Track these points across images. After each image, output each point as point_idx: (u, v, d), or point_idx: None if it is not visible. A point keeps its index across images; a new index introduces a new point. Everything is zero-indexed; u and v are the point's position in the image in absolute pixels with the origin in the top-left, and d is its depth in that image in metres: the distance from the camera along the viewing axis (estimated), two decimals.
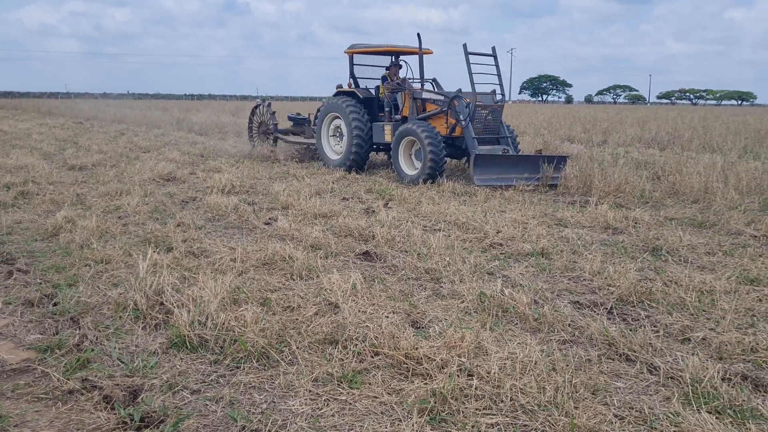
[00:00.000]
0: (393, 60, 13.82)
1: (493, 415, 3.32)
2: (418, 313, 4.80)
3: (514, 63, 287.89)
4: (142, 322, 4.52)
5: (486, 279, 5.65)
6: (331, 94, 14.00)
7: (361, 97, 13.31)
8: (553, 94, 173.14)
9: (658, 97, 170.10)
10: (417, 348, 3.93)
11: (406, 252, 6.56)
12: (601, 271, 5.83)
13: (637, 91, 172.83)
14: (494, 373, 3.65)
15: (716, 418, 3.25)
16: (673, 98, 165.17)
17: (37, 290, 5.16)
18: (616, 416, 3.33)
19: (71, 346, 4.10)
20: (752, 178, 11.18)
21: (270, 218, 8.20)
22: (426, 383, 3.59)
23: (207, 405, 3.44)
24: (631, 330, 4.50)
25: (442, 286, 5.48)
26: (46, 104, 52.49)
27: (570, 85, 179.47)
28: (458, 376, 3.63)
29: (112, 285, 5.34)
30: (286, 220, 7.83)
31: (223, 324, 4.26)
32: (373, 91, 13.65)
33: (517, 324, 4.63)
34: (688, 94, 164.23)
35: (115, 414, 3.31)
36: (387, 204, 9.35)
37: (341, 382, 3.68)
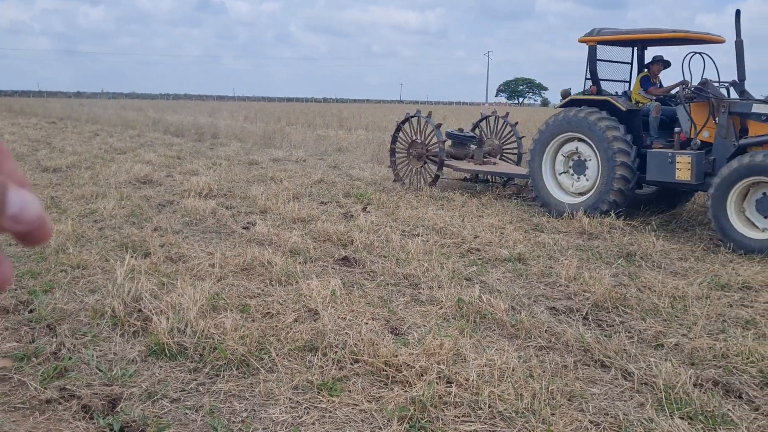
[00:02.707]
0: (654, 56, 9.54)
1: (472, 422, 3.37)
2: (397, 319, 4.84)
3: (491, 66, 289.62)
4: (121, 330, 4.50)
5: (464, 285, 5.71)
6: (558, 103, 9.90)
7: (624, 109, 8.76)
8: (530, 97, 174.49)
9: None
10: (396, 355, 3.97)
11: (385, 257, 6.60)
12: (577, 276, 5.92)
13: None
14: (473, 380, 3.70)
15: (688, 424, 3.33)
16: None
17: (12, 297, 5.10)
18: (591, 422, 3.40)
19: (48, 354, 4.07)
20: None
21: (248, 222, 8.19)
22: (405, 391, 3.63)
23: (187, 414, 3.44)
24: (606, 336, 4.59)
25: (420, 292, 5.52)
26: (18, 103, 51.69)
27: (546, 88, 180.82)
28: (437, 383, 3.68)
29: (89, 291, 5.30)
30: (264, 225, 7.83)
31: (203, 331, 4.26)
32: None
33: (494, 330, 4.69)
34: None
35: (93, 424, 3.30)
36: (365, 208, 9.38)
37: (321, 390, 3.70)
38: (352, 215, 8.78)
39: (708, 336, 4.58)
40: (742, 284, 5.88)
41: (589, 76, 9.24)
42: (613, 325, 4.89)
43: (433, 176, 11.13)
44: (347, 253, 6.69)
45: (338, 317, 4.70)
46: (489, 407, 3.47)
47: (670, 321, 4.94)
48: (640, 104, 9.05)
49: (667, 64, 9.37)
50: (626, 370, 4.05)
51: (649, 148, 8.51)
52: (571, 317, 5.02)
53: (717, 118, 7.93)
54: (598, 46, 9.19)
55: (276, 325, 4.59)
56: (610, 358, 4.20)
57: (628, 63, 9.70)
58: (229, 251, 6.50)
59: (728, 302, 5.41)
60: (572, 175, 9.13)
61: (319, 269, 6.17)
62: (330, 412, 3.50)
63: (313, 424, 3.38)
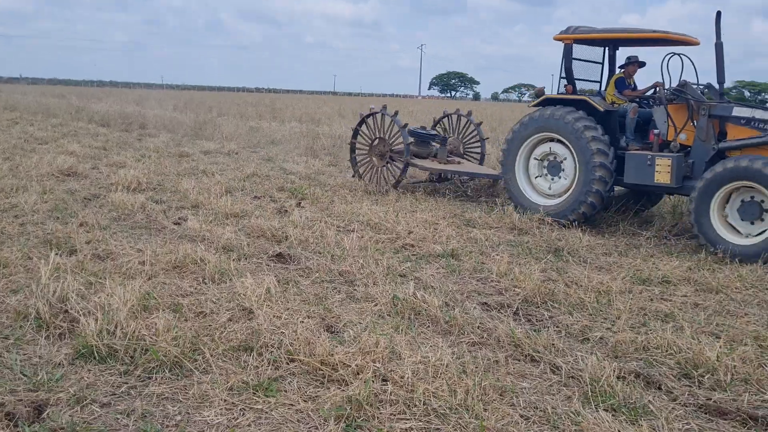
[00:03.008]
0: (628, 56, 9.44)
1: (407, 420, 3.43)
2: (333, 317, 4.86)
3: (424, 59, 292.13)
4: (46, 332, 4.34)
5: (399, 281, 5.77)
6: (531, 102, 9.45)
7: (602, 110, 8.59)
8: (461, 91, 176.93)
9: None
10: (333, 354, 3.99)
11: (320, 253, 6.60)
12: (508, 272, 6.08)
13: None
14: (408, 377, 3.76)
15: (612, 416, 3.49)
16: None
17: None
18: (522, 417, 3.51)
19: None
20: None
21: (179, 218, 8.01)
22: (342, 390, 3.66)
23: (118, 419, 3.37)
24: (535, 331, 4.74)
25: (356, 289, 5.55)
26: None
27: (478, 83, 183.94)
28: (373, 381, 3.72)
29: (11, 292, 5.09)
30: (196, 220, 7.68)
31: (134, 333, 4.15)
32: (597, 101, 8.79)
33: (429, 327, 4.77)
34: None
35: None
36: (299, 203, 9.33)
37: (257, 391, 3.68)
38: (286, 210, 8.72)
39: (630, 329, 4.79)
40: (662, 278, 6.17)
41: (564, 75, 9.08)
42: (542, 320, 5.05)
43: (396, 177, 10.72)
44: (282, 249, 6.65)
45: (273, 316, 4.67)
46: (424, 404, 3.54)
47: (596, 315, 5.14)
48: (616, 105, 9.00)
49: (642, 65, 9.29)
50: (554, 364, 4.20)
51: (625, 149, 8.44)
52: (502, 313, 5.15)
53: (696, 121, 7.92)
54: (575, 46, 9.04)
55: (210, 325, 4.53)
56: (539, 352, 4.34)
57: (599, 63, 9.60)
58: (159, 248, 6.35)
59: (649, 296, 5.68)
60: (547, 176, 8.92)
61: (254, 266, 6.11)
62: (266, 413, 3.49)
63: (249, 425, 3.36)
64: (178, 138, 18.65)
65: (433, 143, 11.25)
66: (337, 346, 4.13)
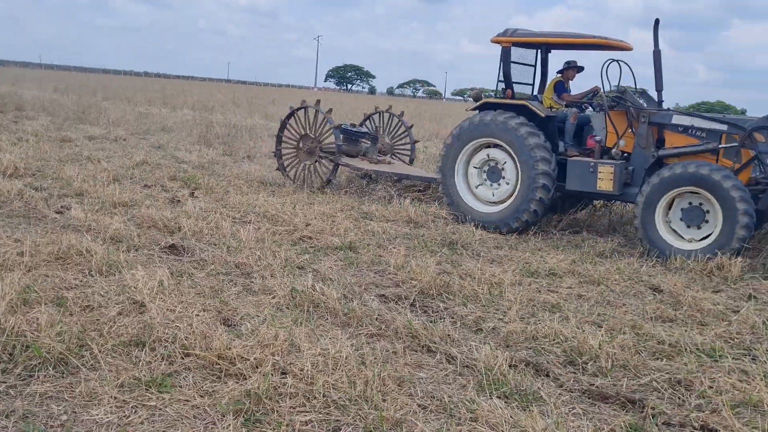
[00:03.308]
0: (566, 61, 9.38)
1: (307, 412, 3.42)
2: (230, 310, 4.76)
3: (321, 50, 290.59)
4: None
5: (297, 273, 5.73)
6: (469, 106, 9.20)
7: (542, 115, 8.43)
8: (358, 84, 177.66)
9: (453, 94, 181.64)
10: (230, 348, 3.91)
11: (215, 245, 6.44)
12: (405, 264, 6.18)
13: (434, 86, 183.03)
14: (307, 370, 3.75)
15: (505, 402, 3.63)
16: (466, 95, 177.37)
17: None
18: (419, 406, 3.59)
19: None
20: None
21: (62, 206, 7.56)
22: (240, 384, 3.59)
23: None
24: (431, 322, 4.85)
25: (253, 282, 5.46)
26: None
27: (373, 77, 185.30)
28: (272, 375, 3.68)
29: None
30: (81, 209, 7.27)
31: (13, 328, 3.89)
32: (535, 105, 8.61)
33: (328, 319, 4.77)
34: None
35: None
36: (193, 193, 9.05)
37: (150, 387, 3.55)
38: (179, 200, 8.43)
39: (521, 320, 5.01)
40: (549, 271, 6.48)
41: (502, 78, 8.87)
42: (438, 312, 5.18)
43: (325, 178, 10.34)
44: (175, 240, 6.43)
45: (167, 309, 4.51)
46: (324, 396, 3.54)
47: (488, 306, 5.33)
48: (554, 109, 8.90)
49: (580, 70, 9.28)
50: (450, 354, 4.32)
51: (564, 155, 8.38)
52: (399, 304, 5.24)
53: (636, 128, 7.96)
54: (514, 49, 8.82)
55: (98, 320, 4.31)
56: (435, 343, 4.45)
57: (531, 65, 9.44)
58: (40, 238, 5.96)
59: (537, 288, 5.95)
60: (489, 184, 8.67)
61: (145, 258, 5.87)
62: (159, 409, 3.37)
63: (141, 423, 3.24)
64: (59, 122, 17.57)
65: (363, 141, 11.00)
66: (234, 340, 4.05)
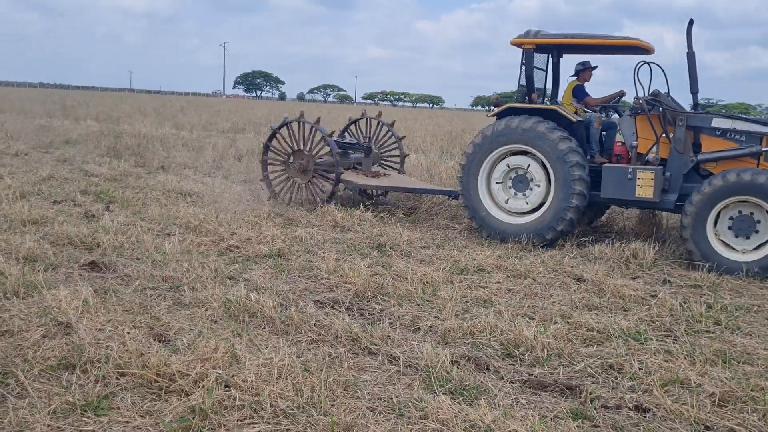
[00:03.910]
0: (580, 62, 8.93)
1: (255, 423, 3.35)
2: (162, 325, 4.60)
3: (227, 57, 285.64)
4: None
5: (228, 284, 5.60)
6: (491, 112, 8.49)
7: (573, 120, 8.08)
8: (267, 90, 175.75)
9: (363, 98, 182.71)
10: (168, 364, 3.78)
11: (139, 260, 6.20)
12: (337, 269, 6.16)
13: (344, 91, 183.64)
14: (251, 381, 3.67)
15: (452, 398, 3.68)
16: (376, 99, 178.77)
17: None
18: (368, 408, 3.58)
19: None
20: (450, 176, 12.72)
21: None
22: (183, 400, 3.47)
23: None
24: (370, 324, 4.86)
25: (183, 295, 5.30)
26: None
27: (283, 82, 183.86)
28: (216, 388, 3.58)
29: None
30: None
31: None
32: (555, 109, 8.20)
33: (266, 328, 4.69)
34: (389, 96, 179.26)
35: None
36: (108, 207, 8.68)
37: (86, 411, 3.38)
38: (94, 215, 8.07)
39: (456, 316, 5.09)
40: (478, 267, 6.62)
41: (523, 82, 8.39)
42: (374, 314, 5.19)
43: (327, 193, 9.40)
44: (94, 257, 6.15)
45: (95, 329, 4.31)
46: (271, 406, 3.47)
47: (423, 305, 5.39)
48: (578, 114, 8.46)
49: (594, 68, 8.86)
50: (392, 354, 4.34)
51: (592, 162, 8.01)
52: (336, 309, 5.21)
53: (672, 132, 7.63)
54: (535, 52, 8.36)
55: (20, 344, 4.07)
56: (376, 345, 4.46)
57: (542, 69, 8.98)
58: None
59: (468, 284, 6.07)
60: (514, 193, 8.12)
61: (64, 277, 5.59)
62: None
63: None
64: None
65: (353, 153, 10.19)
66: (171, 356, 3.91)
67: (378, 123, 10.79)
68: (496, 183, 8.19)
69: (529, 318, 5.14)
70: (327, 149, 9.51)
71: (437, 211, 9.48)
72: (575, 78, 8.83)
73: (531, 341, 4.52)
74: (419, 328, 4.88)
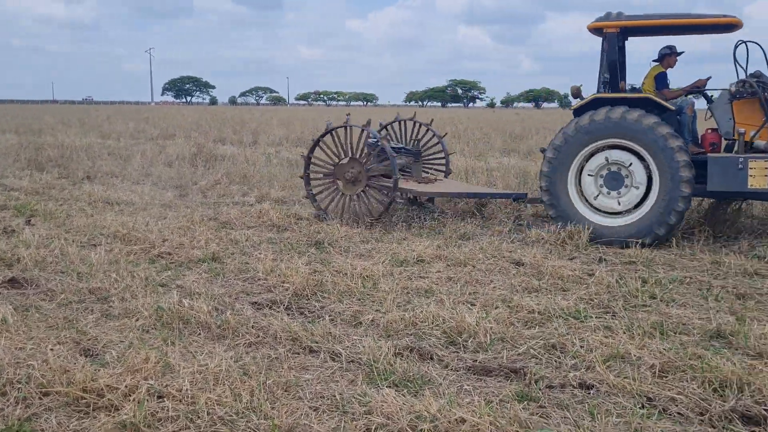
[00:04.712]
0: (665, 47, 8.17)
1: None
2: (89, 339, 4.36)
3: (154, 63, 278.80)
4: None
5: (160, 292, 5.38)
6: (574, 105, 7.87)
7: (673, 110, 7.54)
8: (197, 96, 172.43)
9: (297, 99, 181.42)
10: (95, 379, 3.56)
11: (64, 273, 5.89)
12: (274, 269, 5.99)
13: (277, 92, 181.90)
14: (186, 389, 3.49)
15: (396, 391, 3.60)
16: (309, 99, 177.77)
17: None
18: (311, 408, 3.46)
19: None
20: None
21: None
22: (112, 415, 3.27)
23: None
24: (310, 322, 4.73)
25: (112, 306, 5.05)
26: None
27: (213, 87, 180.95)
28: (148, 401, 3.39)
29: None
30: None
31: None
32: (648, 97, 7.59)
33: (201, 334, 4.50)
34: (322, 96, 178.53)
35: None
36: (29, 221, 8.24)
37: None
38: (13, 230, 7.64)
39: (398, 308, 5.01)
40: (417, 258, 6.57)
41: (607, 71, 7.74)
42: (314, 311, 5.06)
43: (384, 204, 8.39)
44: (15, 273, 5.81)
45: (15, 348, 4.05)
46: (208, 414, 3.31)
47: (364, 299, 5.29)
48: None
49: (680, 54, 8.13)
50: (334, 351, 4.22)
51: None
52: (274, 309, 5.06)
53: None
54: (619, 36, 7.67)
55: None
56: (317, 342, 4.34)
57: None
58: None
59: (409, 275, 6.00)
60: (607, 192, 7.42)
61: None
62: None
63: None
64: None
65: (398, 159, 8.82)
66: (99, 370, 3.69)
67: (414, 124, 9.88)
68: (589, 175, 7.49)
69: (471, 305, 5.11)
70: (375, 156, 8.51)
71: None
72: (658, 63, 8.13)
73: (473, 327, 4.48)
74: (361, 323, 4.78)
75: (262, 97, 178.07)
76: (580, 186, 7.55)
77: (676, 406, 3.48)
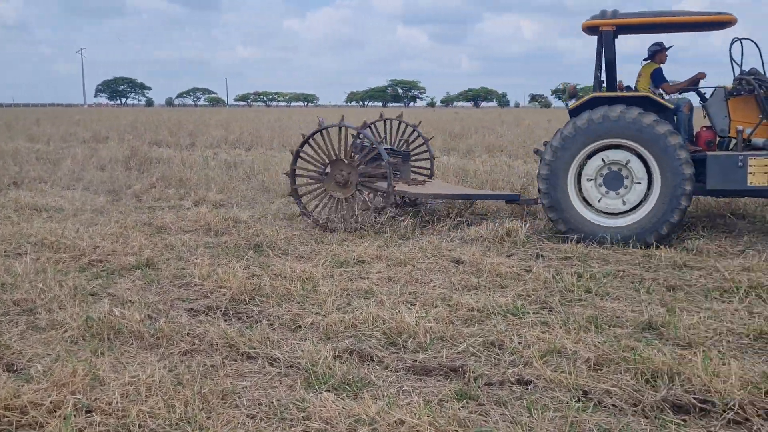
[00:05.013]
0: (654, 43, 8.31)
1: None
2: (13, 354, 4.15)
3: (86, 64, 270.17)
4: None
5: (90, 301, 5.18)
6: (572, 104, 7.75)
7: (671, 107, 7.54)
8: (133, 97, 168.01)
9: (236, 100, 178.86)
10: (19, 395, 3.38)
11: None
12: (211, 274, 5.86)
13: (216, 93, 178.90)
14: (116, 402, 3.36)
15: (335, 395, 3.55)
16: (249, 100, 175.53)
17: None
18: (248, 416, 3.38)
19: None
20: None
21: None
22: None
23: None
24: (248, 328, 4.64)
25: (38, 318, 4.83)
26: None
27: (149, 88, 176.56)
28: (75, 416, 3.24)
29: None
30: None
31: None
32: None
33: (133, 344, 4.35)
34: (262, 96, 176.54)
35: None
36: None
37: None
38: None
39: (338, 310, 4.97)
40: (358, 259, 6.53)
41: (604, 69, 7.72)
42: (252, 316, 4.96)
43: (376, 207, 8.28)
44: None
45: None
46: (139, 427, 3.19)
47: (304, 303, 5.22)
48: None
49: (668, 49, 8.24)
50: (272, 356, 4.14)
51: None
52: (211, 315, 4.94)
53: None
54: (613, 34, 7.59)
55: None
56: (255, 348, 4.25)
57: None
58: None
59: (349, 277, 5.96)
60: (607, 192, 7.39)
61: None
62: None
63: None
64: None
65: (384, 160, 8.35)
66: (23, 386, 3.52)
67: (399, 124, 9.73)
68: (588, 180, 7.44)
69: (411, 304, 5.11)
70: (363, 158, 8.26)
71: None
72: (649, 60, 8.26)
73: (413, 327, 4.47)
74: (300, 326, 4.72)
75: (200, 98, 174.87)
76: (580, 188, 7.50)
77: (611, 398, 3.55)
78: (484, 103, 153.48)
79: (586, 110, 7.44)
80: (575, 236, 7.23)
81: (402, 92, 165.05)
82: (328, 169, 8.35)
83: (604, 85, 7.91)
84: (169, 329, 4.48)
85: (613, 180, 7.36)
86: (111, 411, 3.32)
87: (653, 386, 3.64)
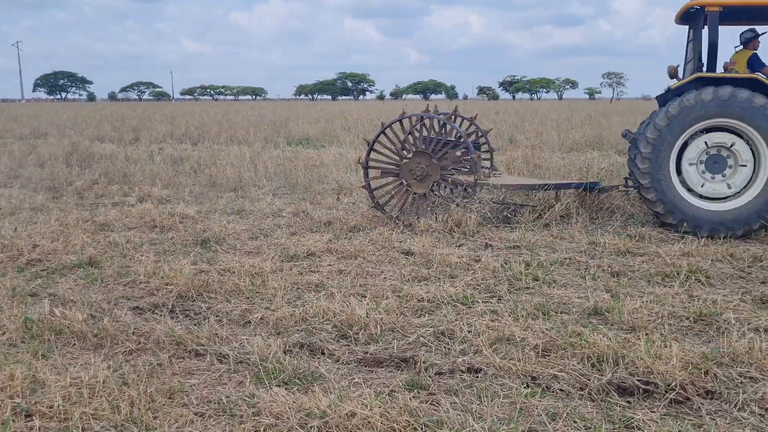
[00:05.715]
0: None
1: None
2: None
3: (23, 58, 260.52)
4: None
5: (29, 302, 5.00)
6: (675, 84, 7.57)
7: None
8: (73, 92, 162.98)
9: (182, 93, 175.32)
10: None
11: None
12: (157, 271, 5.73)
13: (161, 87, 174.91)
14: (58, 405, 3.26)
15: (286, 389, 3.52)
16: (195, 94, 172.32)
17: None
18: (197, 414, 3.32)
19: None
20: (277, 164, 12.51)
21: None
22: None
23: None
24: (195, 325, 4.56)
25: None
26: None
27: (91, 82, 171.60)
28: (14, 421, 3.13)
29: None
30: None
31: None
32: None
33: (75, 345, 4.22)
34: (209, 90, 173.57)
35: None
36: None
37: None
38: None
39: (288, 305, 4.92)
40: (308, 253, 6.48)
41: (707, 52, 7.35)
42: (200, 313, 4.87)
43: (458, 201, 7.75)
44: None
45: None
46: (83, 430, 3.10)
47: (253, 298, 5.15)
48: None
49: (761, 35, 7.95)
50: (221, 353, 4.08)
51: None
52: (157, 313, 4.83)
53: None
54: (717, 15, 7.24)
55: None
56: (203, 345, 4.17)
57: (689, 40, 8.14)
58: None
59: (299, 271, 5.91)
60: (712, 177, 7.19)
61: None
62: None
63: None
64: None
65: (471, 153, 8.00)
66: None
67: (456, 118, 9.08)
68: (690, 164, 7.22)
69: (361, 296, 5.10)
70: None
71: (259, 198, 9.19)
72: (743, 48, 8.03)
73: (364, 319, 4.47)
74: (249, 322, 4.65)
75: (144, 92, 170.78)
76: (680, 173, 7.29)
77: (558, 382, 3.61)
78: (433, 96, 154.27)
79: (690, 89, 7.21)
80: (682, 227, 7.00)
81: (351, 85, 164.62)
82: (407, 162, 7.98)
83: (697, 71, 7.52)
84: (114, 328, 4.36)
85: (715, 163, 7.19)
86: (52, 414, 3.21)
87: (599, 370, 3.72)
